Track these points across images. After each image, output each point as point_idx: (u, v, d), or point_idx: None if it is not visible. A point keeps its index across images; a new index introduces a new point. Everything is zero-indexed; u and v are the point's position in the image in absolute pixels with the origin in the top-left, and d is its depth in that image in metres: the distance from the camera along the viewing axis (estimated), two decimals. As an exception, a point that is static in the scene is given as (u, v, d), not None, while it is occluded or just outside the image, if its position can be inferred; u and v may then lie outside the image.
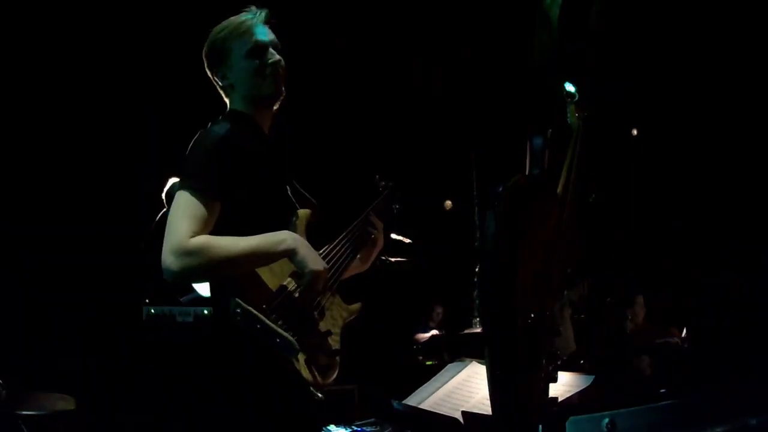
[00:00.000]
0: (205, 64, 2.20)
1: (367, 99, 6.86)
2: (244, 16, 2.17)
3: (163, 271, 1.89)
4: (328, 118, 6.44)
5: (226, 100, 2.22)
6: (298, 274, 1.97)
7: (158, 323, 4.19)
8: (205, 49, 2.20)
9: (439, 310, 7.52)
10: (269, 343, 1.88)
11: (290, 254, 1.95)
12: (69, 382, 3.95)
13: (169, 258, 1.86)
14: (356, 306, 2.19)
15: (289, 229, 2.04)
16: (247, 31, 2.13)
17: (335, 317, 2.11)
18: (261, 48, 2.13)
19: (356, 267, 2.40)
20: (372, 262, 2.44)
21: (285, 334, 1.89)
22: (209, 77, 2.22)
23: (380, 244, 2.38)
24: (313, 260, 1.96)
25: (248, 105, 2.16)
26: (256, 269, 1.97)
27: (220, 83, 2.19)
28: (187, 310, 3.85)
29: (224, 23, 2.19)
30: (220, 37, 2.16)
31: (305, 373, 1.94)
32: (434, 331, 7.03)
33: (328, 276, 2.02)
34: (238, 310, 1.86)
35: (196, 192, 1.91)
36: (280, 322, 1.91)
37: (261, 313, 1.88)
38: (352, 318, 2.19)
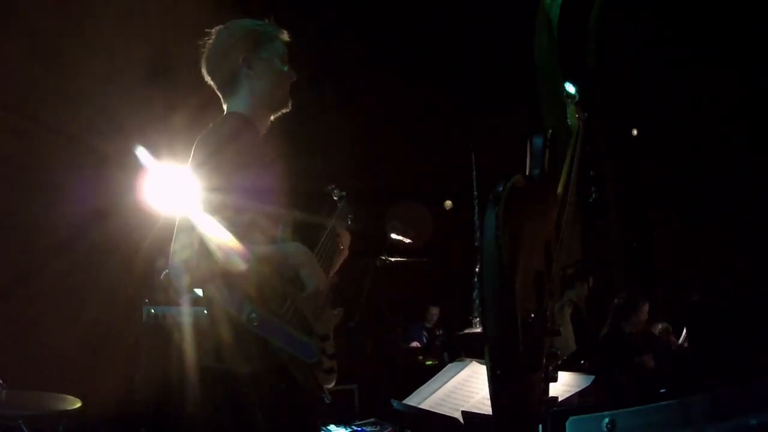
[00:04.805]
0: (224, 48, 2.15)
1: (366, 99, 6.86)
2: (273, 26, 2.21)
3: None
4: (326, 117, 6.44)
5: (225, 102, 2.19)
6: (297, 283, 1.98)
7: (158, 323, 4.19)
8: (233, 32, 2.16)
9: (435, 311, 7.51)
10: (287, 348, 1.91)
11: (299, 267, 1.96)
12: (69, 382, 3.95)
13: (195, 260, 1.85)
14: (340, 310, 2.21)
15: (280, 234, 2.06)
16: (282, 38, 2.19)
17: (326, 322, 2.12)
18: (287, 60, 2.18)
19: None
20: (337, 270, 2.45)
21: (306, 338, 1.93)
22: (213, 66, 2.17)
23: (346, 253, 2.39)
24: (319, 275, 1.99)
25: (253, 106, 2.14)
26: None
27: (237, 72, 2.13)
28: (186, 311, 3.85)
29: (253, 20, 2.19)
30: (261, 28, 2.17)
31: (316, 377, 1.98)
32: (416, 344, 7.02)
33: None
34: (254, 315, 1.87)
35: (226, 193, 1.89)
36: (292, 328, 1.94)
37: (277, 321, 1.90)
38: (337, 321, 2.21)
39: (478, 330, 5.79)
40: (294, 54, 2.23)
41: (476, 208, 6.84)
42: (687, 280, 6.88)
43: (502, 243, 1.46)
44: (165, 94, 4.88)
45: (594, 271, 5.84)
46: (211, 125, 2.07)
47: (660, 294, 6.62)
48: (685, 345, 5.28)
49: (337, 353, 2.08)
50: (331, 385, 2.05)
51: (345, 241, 2.36)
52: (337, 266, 2.38)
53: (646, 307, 5.01)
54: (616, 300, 5.09)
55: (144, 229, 4.18)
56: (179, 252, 1.88)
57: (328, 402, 2.02)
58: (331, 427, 3.62)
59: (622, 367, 4.61)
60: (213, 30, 2.20)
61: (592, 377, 2.44)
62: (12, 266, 4.71)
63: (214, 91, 2.23)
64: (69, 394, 3.49)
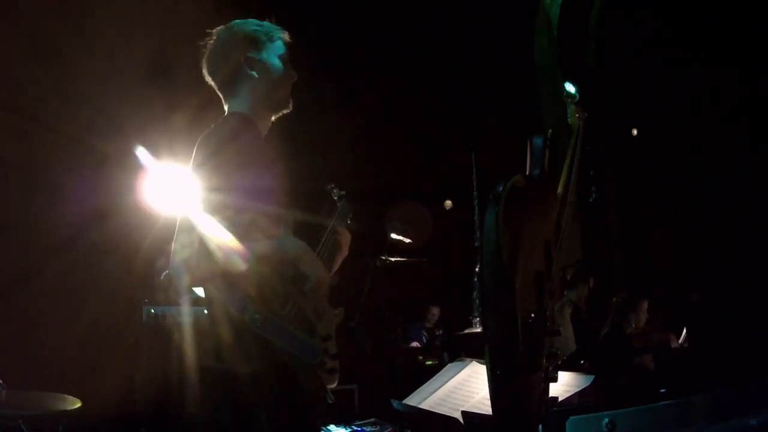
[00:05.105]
0: (225, 48, 2.15)
1: (365, 100, 6.86)
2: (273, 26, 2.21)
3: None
4: (327, 119, 6.45)
5: (227, 102, 2.19)
6: (299, 280, 1.98)
7: (158, 323, 4.19)
8: (234, 32, 2.16)
9: (435, 311, 7.50)
10: (290, 348, 1.91)
11: (298, 261, 1.96)
12: (69, 382, 3.95)
13: (195, 260, 1.86)
14: (341, 310, 2.20)
15: (281, 235, 2.05)
16: (283, 39, 2.20)
17: (328, 322, 2.12)
18: (288, 60, 2.19)
19: None
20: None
21: (308, 339, 1.94)
22: (214, 67, 2.17)
23: (346, 251, 2.38)
24: (319, 267, 1.99)
25: (254, 107, 2.14)
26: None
27: (238, 72, 2.13)
28: (186, 311, 3.85)
29: (254, 21, 2.19)
30: (262, 29, 2.17)
31: (320, 378, 1.98)
32: (416, 344, 7.02)
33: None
34: (257, 316, 1.87)
35: (226, 193, 1.89)
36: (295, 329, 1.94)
37: (280, 321, 1.90)
38: (339, 321, 2.20)
39: (478, 330, 5.78)
40: (294, 54, 2.23)
41: (476, 208, 6.84)
42: (687, 280, 6.88)
43: (502, 243, 1.46)
44: (165, 94, 4.87)
45: (594, 271, 5.84)
46: (212, 125, 2.07)
47: (660, 294, 6.62)
48: (685, 345, 5.28)
49: (338, 353, 2.08)
50: (333, 385, 2.05)
51: (345, 239, 2.36)
52: (337, 265, 2.38)
53: (645, 305, 5.01)
54: (614, 299, 5.09)
55: (144, 229, 4.17)
56: (179, 252, 1.88)
57: (331, 402, 2.02)
58: (331, 427, 3.62)
59: (622, 367, 4.61)
60: (214, 30, 2.20)
61: (592, 377, 2.44)
62: (12, 266, 4.71)
63: (214, 91, 2.23)
64: (69, 394, 3.49)
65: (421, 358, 6.57)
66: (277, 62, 2.16)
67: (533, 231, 1.59)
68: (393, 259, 4.95)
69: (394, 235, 4.91)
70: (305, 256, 1.97)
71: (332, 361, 2.04)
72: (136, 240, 4.48)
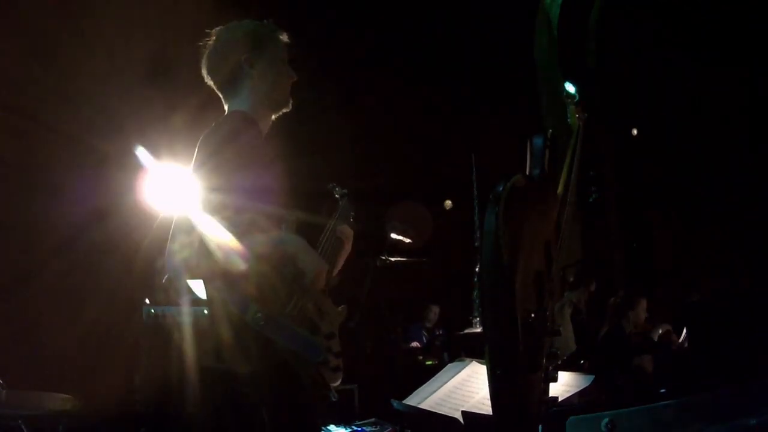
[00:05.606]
0: (225, 48, 2.16)
1: (364, 99, 6.86)
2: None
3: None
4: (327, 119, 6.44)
5: (227, 102, 2.19)
6: (299, 280, 1.98)
7: (158, 323, 4.18)
8: (234, 32, 2.17)
9: (435, 309, 7.49)
10: (293, 347, 1.91)
11: (295, 255, 1.96)
12: (69, 382, 3.95)
13: (196, 258, 1.87)
14: (344, 308, 2.20)
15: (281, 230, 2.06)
16: (282, 39, 2.21)
17: (331, 320, 2.12)
18: (287, 60, 2.21)
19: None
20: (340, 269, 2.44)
21: (311, 337, 1.94)
22: (214, 67, 2.17)
23: (348, 249, 2.38)
24: (317, 260, 1.99)
25: (255, 105, 2.14)
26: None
27: (238, 72, 2.14)
28: (186, 311, 3.84)
29: (253, 21, 2.21)
30: (261, 29, 2.19)
31: (323, 376, 1.99)
32: (416, 344, 7.01)
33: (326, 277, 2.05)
34: (259, 315, 1.87)
35: (226, 193, 1.90)
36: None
37: (283, 320, 1.90)
38: (342, 319, 2.20)
39: (478, 330, 5.78)
40: (294, 54, 2.24)
41: (476, 208, 6.84)
42: (687, 280, 6.88)
43: (502, 243, 1.46)
44: (165, 94, 4.87)
45: (594, 271, 5.84)
46: (213, 124, 2.08)
47: (660, 294, 6.62)
48: (685, 345, 5.28)
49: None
50: (337, 383, 2.05)
51: (347, 237, 2.36)
52: (340, 264, 2.37)
53: (643, 303, 5.01)
54: (612, 299, 5.10)
55: (144, 229, 4.17)
56: (179, 252, 1.89)
57: (335, 400, 2.03)
58: (331, 427, 3.62)
59: (622, 367, 4.61)
60: (213, 30, 2.21)
61: (592, 377, 2.44)
62: (12, 266, 4.71)
63: (214, 91, 2.23)
64: (69, 394, 3.49)
65: (421, 358, 6.57)
66: (276, 62, 2.18)
67: (533, 231, 1.59)
68: (393, 259, 4.95)
69: (394, 235, 4.91)
70: (303, 251, 1.97)
71: (336, 359, 2.04)
72: (136, 240, 4.48)
